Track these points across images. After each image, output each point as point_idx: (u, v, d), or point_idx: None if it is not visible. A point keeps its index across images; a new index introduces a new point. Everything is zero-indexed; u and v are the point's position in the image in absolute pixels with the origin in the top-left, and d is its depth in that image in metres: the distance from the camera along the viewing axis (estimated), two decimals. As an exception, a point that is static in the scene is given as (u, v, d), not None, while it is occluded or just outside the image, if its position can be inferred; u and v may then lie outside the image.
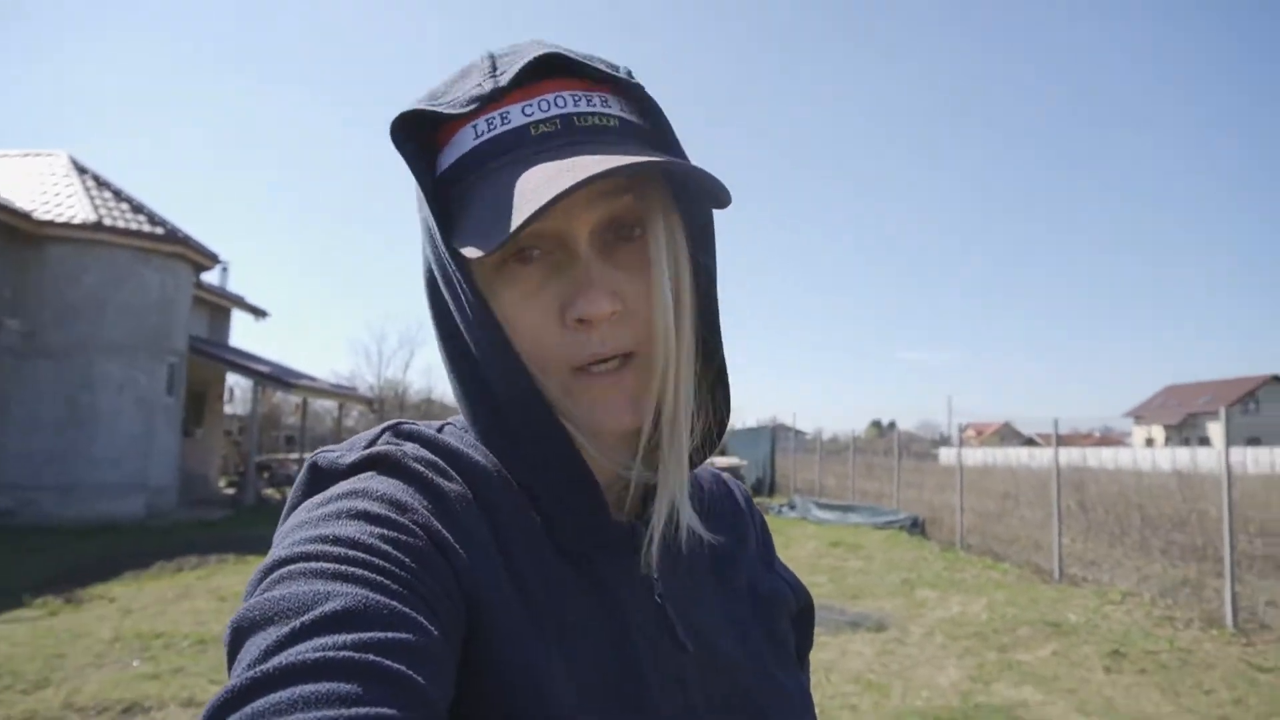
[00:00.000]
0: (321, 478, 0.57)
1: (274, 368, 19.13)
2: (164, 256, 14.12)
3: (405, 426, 0.63)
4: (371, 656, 0.40)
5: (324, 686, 0.38)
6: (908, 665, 5.85)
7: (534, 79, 0.59)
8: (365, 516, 0.50)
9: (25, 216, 12.54)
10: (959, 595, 8.50)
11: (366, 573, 0.46)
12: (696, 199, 0.63)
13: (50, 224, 12.85)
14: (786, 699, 0.67)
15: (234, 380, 21.96)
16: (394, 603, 0.44)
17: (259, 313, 21.06)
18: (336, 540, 0.48)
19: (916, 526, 14.09)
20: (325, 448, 0.60)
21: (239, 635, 0.43)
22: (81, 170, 14.71)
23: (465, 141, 0.59)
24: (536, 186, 0.53)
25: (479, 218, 0.55)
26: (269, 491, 19.06)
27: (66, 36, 72.08)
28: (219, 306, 19.83)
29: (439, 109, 0.60)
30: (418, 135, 0.61)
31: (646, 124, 0.63)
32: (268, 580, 0.46)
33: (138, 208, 14.27)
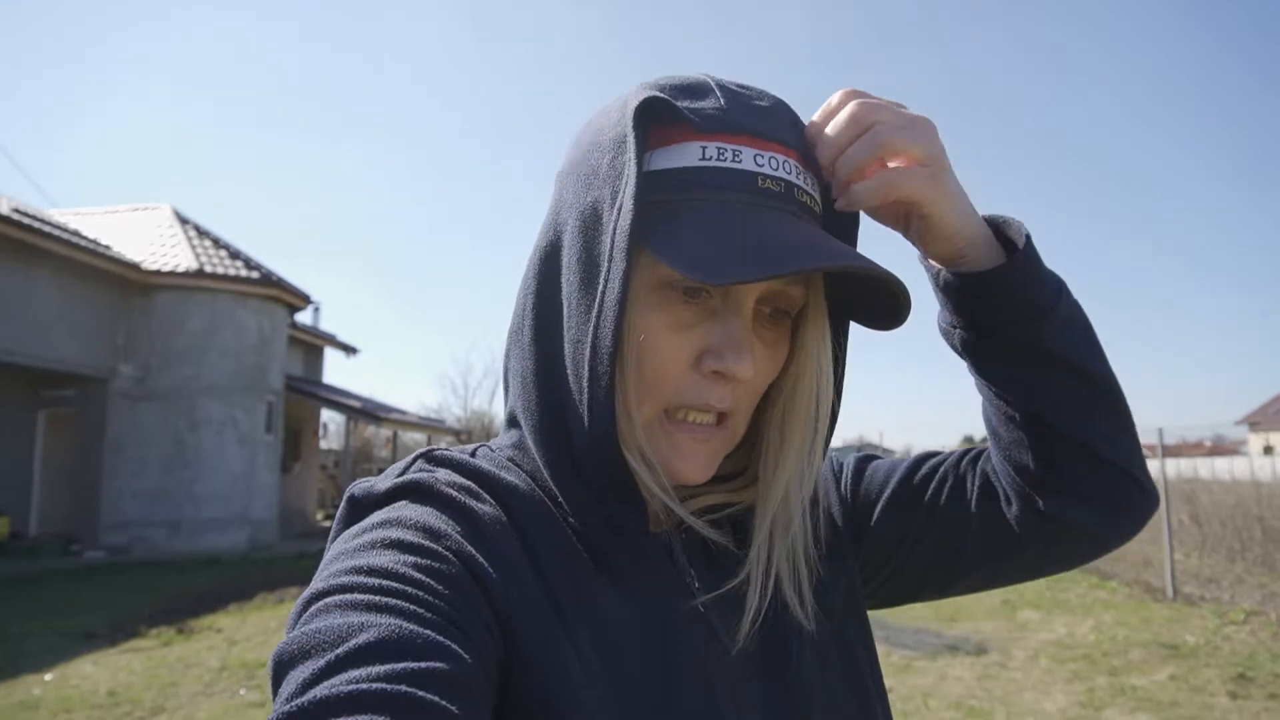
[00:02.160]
0: (358, 508, 0.58)
1: (365, 402, 19.79)
2: (260, 299, 14.84)
3: (438, 453, 0.64)
4: (405, 687, 0.40)
5: (358, 719, 0.38)
6: (1011, 690, 5.59)
7: (766, 133, 0.60)
8: (399, 546, 0.51)
9: (135, 267, 13.38)
10: (1064, 616, 8.10)
11: (401, 603, 0.46)
12: (859, 310, 0.66)
13: (157, 273, 13.68)
14: (836, 705, 0.66)
15: (328, 416, 22.79)
16: (428, 632, 0.45)
17: (349, 349, 21.84)
18: (371, 571, 0.48)
19: (1015, 545, 13.52)
20: (362, 479, 0.61)
21: (279, 669, 0.44)
22: (184, 221, 15.64)
23: (689, 155, 0.58)
24: (788, 240, 0.56)
25: (692, 242, 0.55)
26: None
27: (164, 94, 76.99)
28: (312, 345, 20.64)
29: (684, 111, 0.59)
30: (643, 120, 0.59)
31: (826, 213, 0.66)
32: (306, 614, 0.47)
33: (235, 254, 15.05)
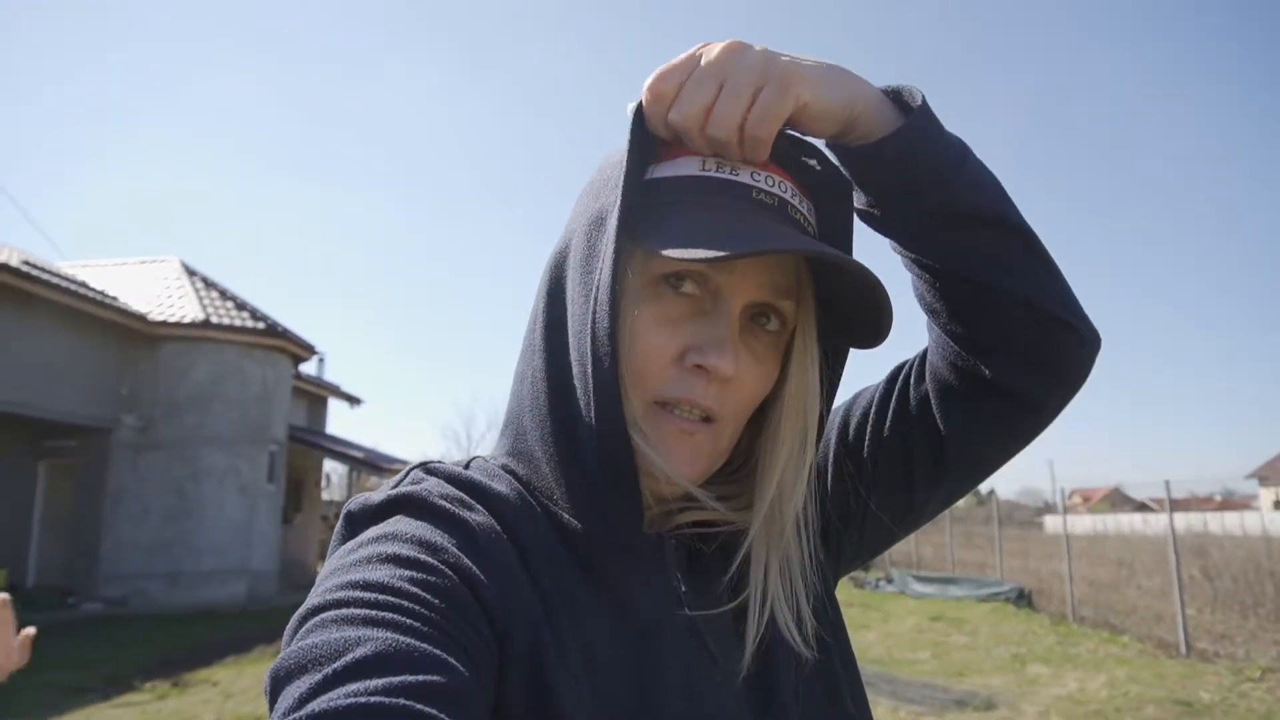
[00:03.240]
0: (355, 522, 0.59)
1: (368, 453, 19.71)
2: (265, 350, 14.89)
3: (432, 465, 0.65)
4: (402, 701, 0.41)
5: None
6: (1022, 748, 5.45)
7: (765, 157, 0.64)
8: (394, 560, 0.51)
9: (141, 318, 13.47)
10: (1075, 671, 7.94)
11: (397, 617, 0.46)
12: (847, 333, 0.68)
13: (163, 324, 13.77)
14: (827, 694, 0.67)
15: (330, 466, 22.70)
16: (424, 645, 0.45)
17: (353, 400, 21.86)
18: (367, 586, 0.48)
19: (1023, 598, 13.32)
20: (358, 494, 0.62)
21: (276, 684, 0.44)
22: (191, 273, 15.79)
23: (689, 167, 0.63)
24: (772, 232, 0.58)
25: (688, 231, 0.58)
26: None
27: (175, 146, 78.44)
28: (316, 395, 20.66)
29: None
30: (642, 133, 0.63)
31: (833, 242, 0.69)
32: (303, 629, 0.47)
33: (241, 305, 15.16)
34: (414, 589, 0.49)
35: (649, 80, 0.62)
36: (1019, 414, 0.71)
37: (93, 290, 12.98)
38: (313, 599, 0.49)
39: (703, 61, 0.61)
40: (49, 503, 14.25)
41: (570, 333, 0.62)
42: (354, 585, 0.49)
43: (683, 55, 0.62)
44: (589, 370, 0.59)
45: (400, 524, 0.56)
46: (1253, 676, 7.47)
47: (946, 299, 0.68)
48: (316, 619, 0.47)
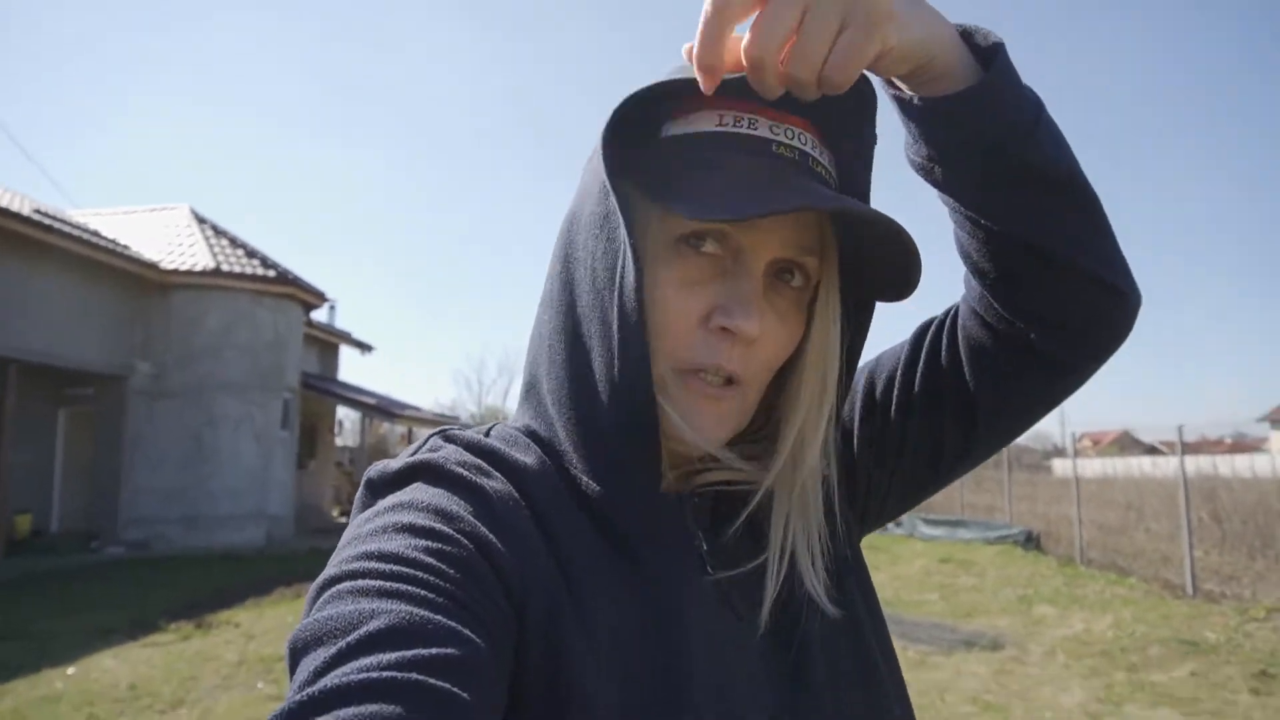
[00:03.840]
0: (374, 489, 0.59)
1: (380, 400, 19.88)
2: (276, 297, 14.91)
3: (451, 432, 0.64)
4: (416, 675, 0.40)
5: (366, 709, 0.38)
6: (1028, 685, 5.56)
7: (781, 108, 0.60)
8: (411, 530, 0.50)
9: (153, 266, 13.48)
10: (1081, 612, 8.05)
11: (412, 588, 0.46)
12: (874, 286, 0.66)
13: (175, 272, 13.78)
14: (859, 659, 0.66)
15: (343, 413, 22.92)
16: (440, 618, 0.45)
17: (365, 347, 21.95)
18: (383, 556, 0.48)
19: (1031, 541, 13.45)
20: (379, 461, 0.61)
21: (294, 654, 0.45)
22: (201, 220, 15.75)
23: (705, 123, 0.60)
24: (793, 188, 0.55)
25: (706, 189, 0.56)
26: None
27: (185, 93, 77.62)
28: (327, 343, 20.75)
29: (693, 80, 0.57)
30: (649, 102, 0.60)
31: (853, 193, 0.66)
32: (320, 600, 0.47)
33: (251, 253, 15.14)
34: (430, 559, 0.48)
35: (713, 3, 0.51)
36: (1059, 379, 0.69)
37: (104, 239, 12.98)
38: (330, 569, 0.49)
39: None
40: (70, 449, 14.48)
41: (589, 295, 0.60)
42: (370, 556, 0.48)
43: None
44: (614, 331, 0.57)
45: (417, 492, 0.55)
46: (1258, 616, 7.56)
47: (999, 261, 0.64)
48: (333, 590, 0.47)
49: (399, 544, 0.49)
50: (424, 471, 0.58)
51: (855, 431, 0.76)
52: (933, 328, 0.75)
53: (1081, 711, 5.01)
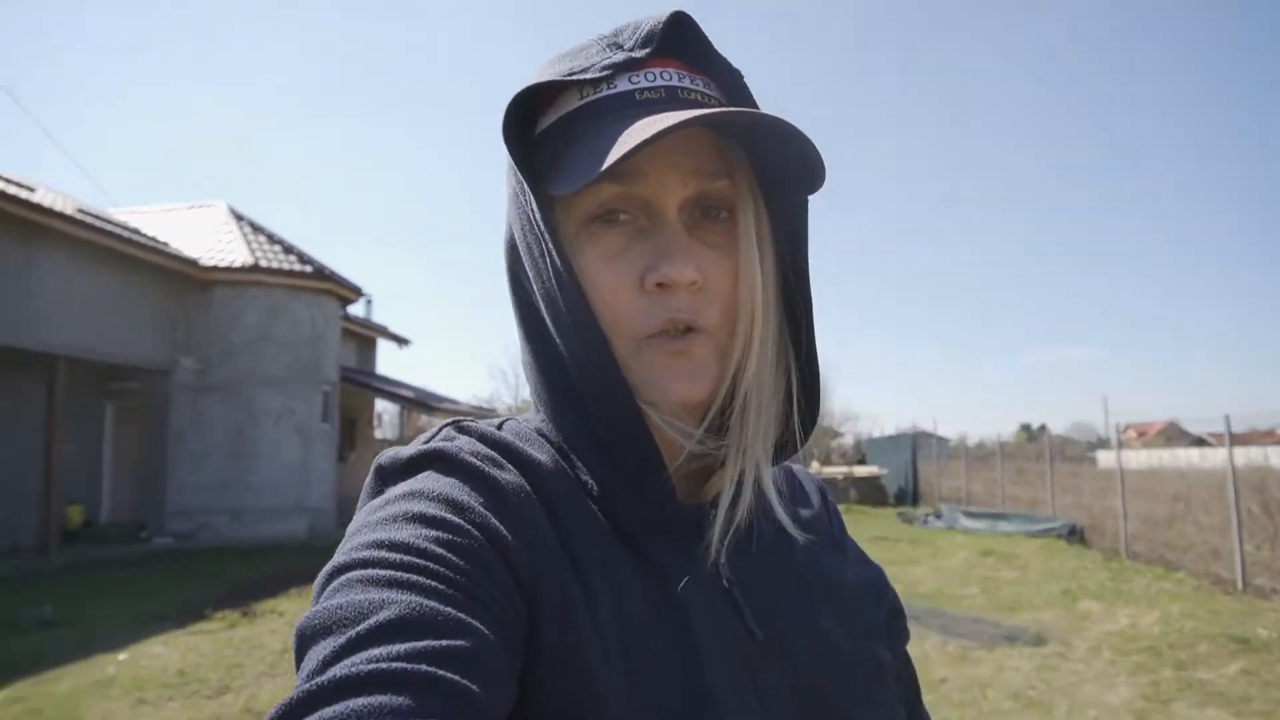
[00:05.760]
0: (385, 477, 0.58)
1: (417, 393, 20.10)
2: (313, 293, 15.13)
3: (464, 423, 0.63)
4: (425, 667, 0.40)
5: (375, 700, 0.38)
6: (1072, 682, 5.47)
7: (642, 57, 0.61)
8: (421, 519, 0.50)
9: (193, 263, 13.76)
10: (1127, 607, 7.90)
11: (422, 579, 0.45)
12: (787, 187, 0.63)
13: (214, 269, 14.05)
14: (866, 689, 0.64)
15: (382, 406, 23.20)
16: (449, 609, 0.44)
17: (402, 341, 22.20)
18: (393, 546, 0.47)
19: (1075, 534, 13.25)
20: (389, 448, 0.60)
21: (302, 642, 0.44)
22: (239, 218, 16.02)
23: (569, 103, 0.61)
24: (636, 131, 0.53)
25: (576, 163, 0.57)
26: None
27: (220, 87, 78.89)
28: (365, 337, 21.02)
29: (552, 78, 0.61)
30: (523, 108, 0.63)
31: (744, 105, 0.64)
32: (329, 588, 0.47)
33: (288, 249, 15.37)
34: (440, 550, 0.48)
35: None
36: None
37: (145, 237, 13.25)
38: (339, 556, 0.49)
39: None
40: (117, 442, 14.87)
41: (541, 301, 0.60)
42: (380, 545, 0.48)
43: None
44: (567, 324, 0.58)
45: (428, 481, 0.54)
46: (1312, 613, 7.35)
47: None
48: (342, 578, 0.47)
49: (409, 533, 0.49)
50: (436, 460, 0.57)
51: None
52: None
53: (1127, 709, 4.91)
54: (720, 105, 0.62)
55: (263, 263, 14.39)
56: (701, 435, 0.60)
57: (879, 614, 0.71)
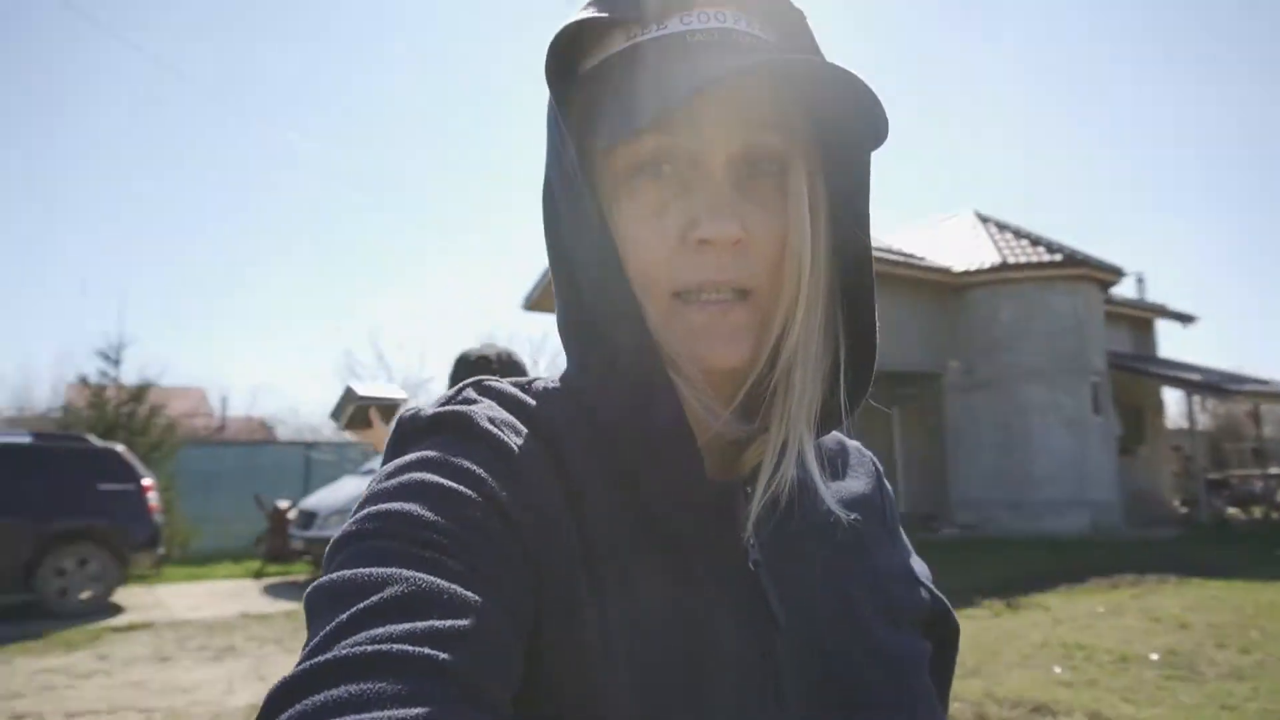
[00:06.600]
0: (405, 439, 0.56)
1: (1207, 374, 17.36)
2: (1067, 280, 14.64)
3: (486, 383, 0.60)
4: (426, 650, 0.39)
5: (373, 685, 0.37)
6: None
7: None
8: (431, 491, 0.48)
9: (947, 271, 14.78)
10: None
11: (429, 553, 0.45)
12: (846, 142, 0.58)
13: (966, 273, 14.84)
14: (896, 681, 0.57)
15: (1167, 393, 20.65)
16: (455, 586, 0.43)
17: (1184, 318, 19.47)
18: (402, 518, 0.46)
19: None
20: (414, 406, 0.60)
21: (309, 610, 0.44)
22: (984, 220, 16.58)
23: (615, 44, 0.57)
24: (685, 77, 0.51)
25: (619, 112, 0.54)
26: (1231, 511, 17.22)
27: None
28: (1138, 319, 19.15)
29: (597, 14, 0.57)
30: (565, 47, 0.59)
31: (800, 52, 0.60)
32: (339, 557, 0.46)
33: (1035, 241, 15.24)
34: (447, 523, 0.46)
35: None
36: None
37: (907, 254, 14.81)
38: (350, 524, 0.48)
39: None
40: (905, 442, 16.75)
41: (573, 260, 0.59)
42: (389, 516, 0.47)
43: None
44: (597, 280, 0.56)
45: (443, 448, 0.52)
46: None
47: None
48: (352, 549, 0.46)
49: (419, 505, 0.47)
50: (451, 425, 0.54)
51: None
52: None
53: None
54: (777, 51, 0.58)
55: (1010, 259, 14.60)
56: (729, 417, 0.57)
57: (923, 603, 0.64)
